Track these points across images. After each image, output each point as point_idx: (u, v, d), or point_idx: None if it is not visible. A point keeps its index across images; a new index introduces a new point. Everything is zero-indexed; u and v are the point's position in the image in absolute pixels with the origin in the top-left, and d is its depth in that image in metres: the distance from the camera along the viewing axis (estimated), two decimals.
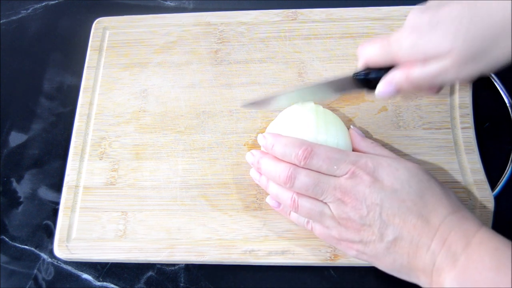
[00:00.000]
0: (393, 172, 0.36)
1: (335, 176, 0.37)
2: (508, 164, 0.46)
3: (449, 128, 0.46)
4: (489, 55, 0.34)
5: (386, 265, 0.36)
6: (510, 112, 0.49)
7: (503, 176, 0.45)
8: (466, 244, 0.33)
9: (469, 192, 0.44)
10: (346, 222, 0.37)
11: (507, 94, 0.49)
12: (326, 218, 0.38)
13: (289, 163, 0.39)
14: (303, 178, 0.37)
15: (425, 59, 0.35)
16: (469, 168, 0.45)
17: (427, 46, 0.35)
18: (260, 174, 0.42)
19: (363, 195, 0.36)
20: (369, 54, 0.39)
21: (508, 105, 0.49)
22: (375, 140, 0.46)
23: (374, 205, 0.35)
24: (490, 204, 0.43)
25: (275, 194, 0.41)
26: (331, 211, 0.37)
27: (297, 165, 0.38)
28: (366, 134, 0.47)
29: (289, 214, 0.41)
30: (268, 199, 0.42)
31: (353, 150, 0.42)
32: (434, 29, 0.34)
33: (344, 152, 0.38)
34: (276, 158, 0.40)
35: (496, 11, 0.32)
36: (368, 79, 0.40)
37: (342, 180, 0.37)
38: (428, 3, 0.36)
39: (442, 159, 0.45)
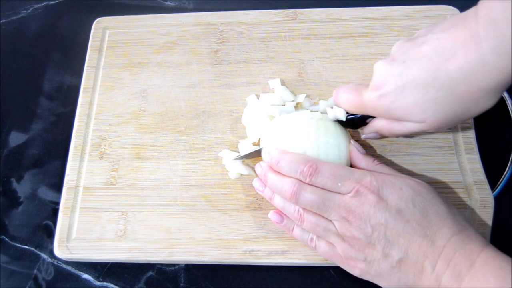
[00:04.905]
0: (397, 191, 0.36)
1: (340, 193, 0.37)
2: (508, 164, 0.46)
3: (449, 128, 0.46)
4: (462, 118, 0.36)
5: (390, 284, 0.36)
6: (510, 112, 0.49)
7: (503, 176, 0.45)
8: (470, 264, 0.33)
9: (469, 192, 0.44)
10: (351, 239, 0.37)
11: (507, 94, 0.49)
12: (330, 234, 0.38)
13: (295, 178, 0.39)
14: (308, 195, 0.38)
15: (402, 121, 0.38)
16: (469, 168, 0.45)
17: (400, 113, 0.37)
18: (265, 185, 0.42)
19: (367, 215, 0.36)
20: (345, 106, 0.42)
21: (508, 105, 0.49)
22: (375, 139, 0.46)
23: (378, 225, 0.35)
24: (490, 204, 0.43)
25: (281, 207, 0.41)
26: (336, 228, 0.38)
27: (302, 181, 0.38)
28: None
29: (292, 230, 0.41)
30: (270, 214, 0.42)
31: (354, 167, 0.41)
32: (402, 96, 0.36)
33: (348, 170, 0.38)
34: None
35: (459, 82, 0.33)
36: (351, 119, 0.43)
37: (347, 198, 0.37)
38: (393, 54, 0.38)
39: (442, 159, 0.45)
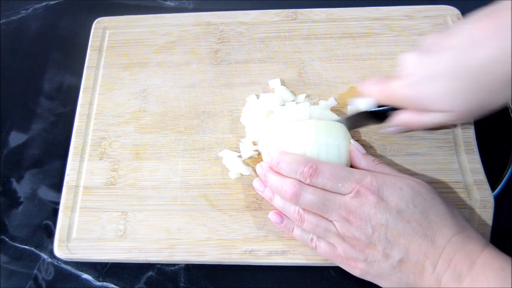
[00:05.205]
0: (398, 192, 0.36)
1: (340, 194, 0.37)
2: (508, 164, 0.46)
3: (449, 128, 0.46)
4: (490, 106, 0.37)
5: (390, 284, 0.36)
6: (510, 112, 0.49)
7: (503, 176, 0.45)
8: (471, 264, 0.33)
9: (469, 192, 0.44)
10: (351, 240, 0.37)
11: None
12: (331, 234, 0.38)
13: (295, 179, 0.39)
14: (309, 196, 0.38)
15: (430, 111, 0.39)
16: (469, 168, 0.45)
17: (429, 102, 0.38)
18: (265, 186, 0.42)
19: (368, 215, 0.36)
20: (374, 96, 0.43)
21: (508, 105, 0.49)
22: (375, 139, 0.46)
23: (379, 226, 0.35)
24: (490, 204, 0.43)
25: (281, 207, 0.41)
26: (336, 228, 0.38)
27: (302, 182, 0.38)
28: (366, 134, 0.47)
29: (292, 231, 0.41)
30: (270, 215, 0.42)
31: (354, 167, 0.41)
32: (431, 84, 0.37)
33: (348, 170, 0.38)
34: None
35: (487, 70, 0.34)
36: (376, 112, 0.43)
37: (347, 198, 0.37)
38: (421, 46, 0.38)
39: (442, 159, 0.45)
